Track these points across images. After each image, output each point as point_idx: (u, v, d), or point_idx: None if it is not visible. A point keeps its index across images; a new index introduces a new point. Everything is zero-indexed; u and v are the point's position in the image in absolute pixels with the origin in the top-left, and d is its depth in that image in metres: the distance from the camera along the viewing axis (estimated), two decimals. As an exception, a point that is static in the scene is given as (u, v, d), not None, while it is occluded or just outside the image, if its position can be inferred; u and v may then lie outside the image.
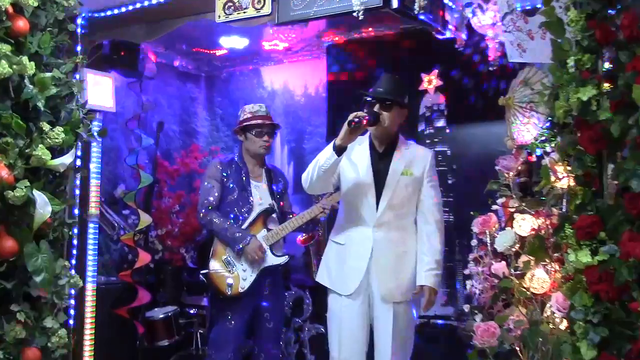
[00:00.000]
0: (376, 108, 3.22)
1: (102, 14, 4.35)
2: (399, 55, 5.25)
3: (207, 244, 4.14)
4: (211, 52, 6.03)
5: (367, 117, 3.07)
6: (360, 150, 3.34)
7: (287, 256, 4.12)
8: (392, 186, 3.24)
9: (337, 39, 5.52)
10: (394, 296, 3.23)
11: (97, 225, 4.51)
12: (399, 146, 3.32)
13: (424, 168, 3.31)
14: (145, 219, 4.98)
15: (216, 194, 4.10)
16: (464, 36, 4.14)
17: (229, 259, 4.03)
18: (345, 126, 3.04)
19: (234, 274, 4.00)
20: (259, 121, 4.11)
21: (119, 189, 5.63)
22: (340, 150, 3.08)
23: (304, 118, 6.28)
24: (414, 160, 3.31)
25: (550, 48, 2.57)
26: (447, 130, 5.10)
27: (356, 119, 3.02)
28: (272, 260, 4.04)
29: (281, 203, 4.25)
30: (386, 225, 3.24)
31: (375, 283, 3.23)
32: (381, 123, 3.21)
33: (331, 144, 3.10)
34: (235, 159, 4.21)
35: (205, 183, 4.14)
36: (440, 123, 5.13)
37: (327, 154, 3.11)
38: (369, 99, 3.28)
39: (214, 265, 4.04)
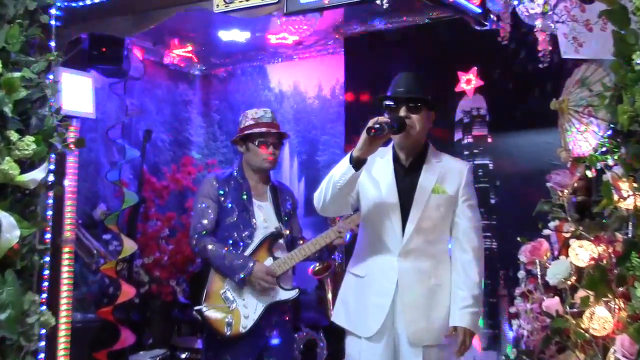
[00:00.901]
0: (402, 112, 3.21)
1: (80, 4, 4.39)
2: (432, 51, 5.27)
3: (201, 275, 4.14)
4: (208, 47, 6.08)
5: (390, 123, 3.07)
6: (382, 164, 3.33)
7: (297, 290, 4.12)
8: (421, 206, 3.22)
9: (357, 31, 5.55)
10: (424, 339, 3.21)
11: (73, 253, 4.54)
12: (428, 158, 3.32)
13: (459, 184, 3.30)
14: (130, 246, 5.00)
15: (212, 216, 4.11)
16: (508, 27, 4.14)
17: (227, 292, 4.04)
18: (364, 134, 3.02)
19: (233, 311, 4.01)
20: (263, 129, 4.13)
21: (99, 209, 5.67)
22: (358, 164, 3.07)
23: (318, 125, 6.31)
24: (446, 174, 3.29)
25: (612, 41, 2.57)
26: (489, 140, 5.09)
27: (377, 126, 2.99)
28: (279, 295, 4.05)
29: (290, 226, 4.26)
30: (414, 253, 3.22)
31: (401, 323, 3.21)
32: (408, 130, 3.21)
33: (348, 156, 3.10)
34: (235, 174, 4.23)
35: (199, 203, 4.15)
36: (481, 131, 5.13)
37: (342, 168, 3.10)
38: (389, 103, 3.28)
39: (211, 300, 4.04)
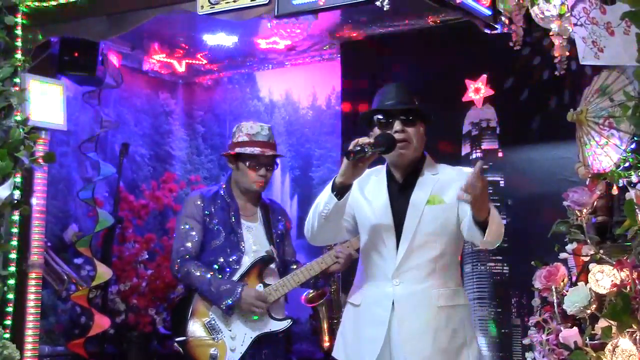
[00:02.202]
0: (396, 125, 3.19)
1: (50, 4, 4.40)
2: (437, 57, 5.28)
3: (184, 303, 4.13)
4: (191, 52, 6.08)
5: (375, 143, 3.04)
6: (375, 184, 3.32)
7: (289, 320, 4.10)
8: (414, 222, 3.20)
9: (355, 35, 5.56)
10: None
11: (41, 279, 4.51)
12: (422, 172, 3.30)
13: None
14: (104, 272, 4.98)
15: (196, 239, 4.10)
16: (521, 31, 4.15)
17: (213, 322, 4.02)
18: (344, 159, 3.02)
19: (219, 343, 3.99)
20: (256, 151, 4.11)
21: (70, 230, 5.65)
22: (342, 191, 3.06)
23: (312, 138, 6.31)
24: (445, 184, 3.27)
25: (636, 46, 2.57)
26: (500, 154, 5.09)
27: (357, 148, 2.97)
28: (270, 325, 4.04)
29: (282, 249, 4.24)
30: (411, 274, 3.19)
31: (400, 354, 3.19)
32: (405, 145, 3.19)
33: (331, 183, 3.09)
34: (222, 192, 4.22)
35: (182, 224, 4.15)
36: (491, 144, 5.13)
37: (325, 196, 3.10)
38: (380, 117, 3.25)
39: (194, 330, 4.02)
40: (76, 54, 4.88)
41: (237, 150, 4.11)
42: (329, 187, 3.07)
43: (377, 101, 3.28)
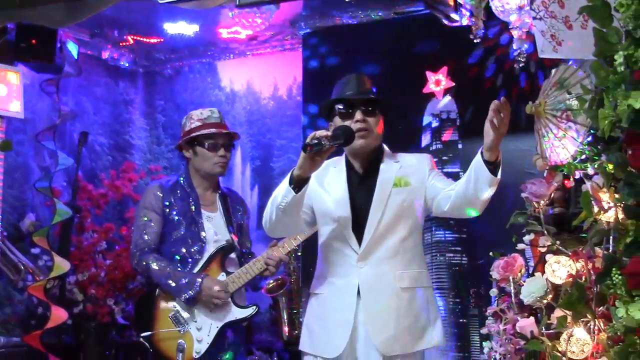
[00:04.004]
0: (357, 115, 3.20)
1: (8, -11, 4.33)
2: (398, 48, 5.30)
3: (147, 296, 4.11)
4: (151, 41, 6.03)
5: (333, 136, 3.04)
6: (335, 174, 3.34)
7: (254, 307, 4.09)
8: (382, 205, 3.22)
9: (316, 25, 5.55)
10: (395, 348, 3.20)
11: (-4, 269, 4.45)
12: (384, 159, 3.33)
13: (424, 173, 3.31)
14: (61, 265, 4.92)
15: (155, 231, 4.08)
16: (481, 24, 4.18)
17: (178, 314, 4.00)
18: (301, 152, 3.02)
19: (185, 334, 3.97)
20: (213, 130, 4.10)
21: (27, 219, 5.57)
22: (300, 183, 3.05)
23: (273, 128, 6.30)
24: (408, 169, 3.31)
25: (593, 40, 2.60)
26: (460, 146, 5.13)
27: (314, 141, 2.97)
28: (235, 312, 4.03)
29: (241, 239, 4.23)
30: (376, 257, 3.22)
31: (365, 335, 3.20)
32: (365, 135, 3.20)
33: (288, 175, 3.09)
34: (181, 181, 4.19)
35: (141, 216, 4.12)
36: (451, 136, 5.16)
37: (283, 189, 3.10)
38: (341, 107, 3.26)
39: (159, 324, 4.00)
40: (34, 41, 4.81)
41: (193, 134, 4.09)
42: (286, 179, 3.07)
43: (338, 91, 3.29)
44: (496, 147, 2.95)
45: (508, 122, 2.91)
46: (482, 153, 2.99)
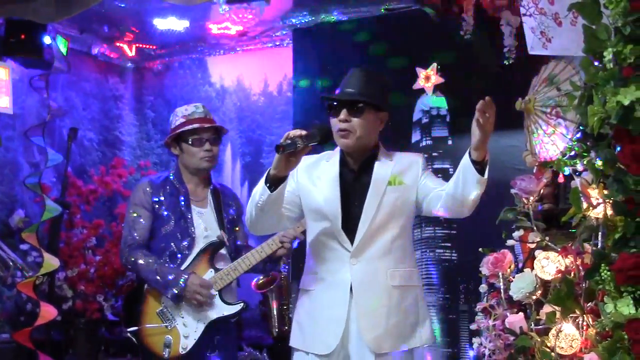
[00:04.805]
0: (342, 114, 3.19)
1: (-4, -15, 4.32)
2: (388, 44, 5.30)
3: (135, 292, 4.09)
4: (141, 37, 6.02)
5: (307, 135, 3.01)
6: (327, 169, 3.33)
7: (242, 304, 4.08)
8: (375, 202, 3.22)
9: (307, 21, 5.55)
10: (385, 346, 3.21)
11: (-15, 265, 4.44)
12: (379, 158, 3.33)
13: (417, 174, 3.31)
14: (51, 262, 4.90)
15: (144, 227, 4.07)
16: (471, 20, 4.19)
17: (165, 310, 3.99)
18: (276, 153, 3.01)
19: (172, 331, 3.96)
20: (195, 125, 4.09)
21: (16, 216, 5.56)
22: (276, 182, 3.05)
23: (263, 124, 6.30)
24: (402, 168, 3.31)
25: (582, 37, 2.61)
26: (450, 142, 5.14)
27: (288, 142, 2.97)
28: (223, 309, 4.01)
29: (234, 234, 4.23)
30: (369, 255, 3.22)
31: (356, 332, 3.21)
32: (347, 135, 3.19)
33: (265, 174, 3.09)
34: (171, 177, 4.19)
35: (131, 212, 4.10)
36: (441, 132, 5.17)
37: (260, 187, 3.10)
38: (328, 104, 3.25)
39: (147, 319, 3.99)
40: (23, 36, 4.79)
41: (178, 131, 4.10)
42: (263, 178, 3.07)
43: (340, 85, 3.29)
44: (483, 147, 2.96)
45: (494, 121, 2.91)
46: (469, 153, 3.01)
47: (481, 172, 2.98)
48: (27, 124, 5.36)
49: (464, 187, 3.05)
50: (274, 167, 3.02)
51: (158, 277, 3.94)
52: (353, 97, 3.21)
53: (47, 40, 4.94)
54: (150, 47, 6.27)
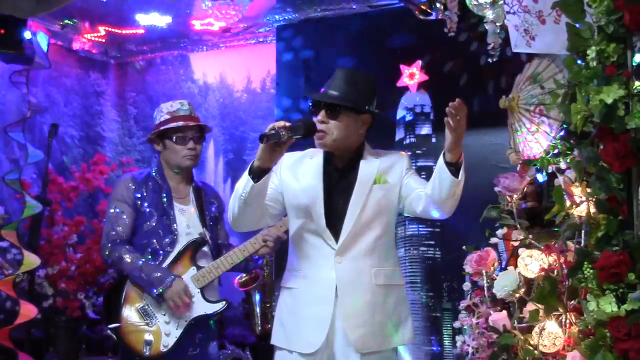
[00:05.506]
0: (320, 116, 3.20)
1: (-24, -21, 4.28)
2: (372, 42, 5.30)
3: (116, 288, 4.07)
4: (123, 32, 5.99)
5: (292, 127, 3.02)
6: (311, 166, 3.33)
7: (224, 302, 4.08)
8: (361, 201, 3.23)
9: (290, 17, 5.55)
10: (370, 345, 3.21)
11: (-36, 262, 4.40)
12: (364, 156, 3.33)
13: (401, 173, 3.32)
14: (31, 260, 4.86)
15: (127, 222, 4.05)
16: (455, 18, 4.19)
17: (147, 307, 3.98)
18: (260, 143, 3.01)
19: (153, 328, 3.95)
20: (180, 123, 4.08)
21: (-4, 212, 5.52)
22: (260, 173, 3.05)
23: (246, 121, 6.29)
24: (387, 166, 3.31)
25: (566, 35, 2.62)
26: (433, 140, 5.15)
27: (272, 132, 2.97)
28: (204, 308, 4.01)
29: (215, 232, 4.22)
30: (353, 253, 3.22)
31: (340, 331, 3.21)
32: (323, 136, 3.19)
33: (249, 166, 3.08)
34: (153, 174, 4.17)
35: (113, 208, 4.08)
36: (425, 130, 5.18)
37: (244, 179, 3.10)
38: (309, 103, 3.27)
39: (128, 316, 3.97)
40: (2, 31, 4.75)
41: (162, 127, 4.08)
42: (247, 170, 3.07)
43: (324, 85, 3.29)
44: (456, 148, 2.97)
45: (465, 123, 2.92)
46: (444, 155, 3.01)
47: (456, 173, 2.98)
48: (7, 120, 5.31)
49: (440, 188, 3.06)
50: (258, 158, 3.02)
51: (143, 275, 3.93)
52: (330, 100, 3.20)
53: (27, 35, 4.90)
54: (133, 43, 6.25)
